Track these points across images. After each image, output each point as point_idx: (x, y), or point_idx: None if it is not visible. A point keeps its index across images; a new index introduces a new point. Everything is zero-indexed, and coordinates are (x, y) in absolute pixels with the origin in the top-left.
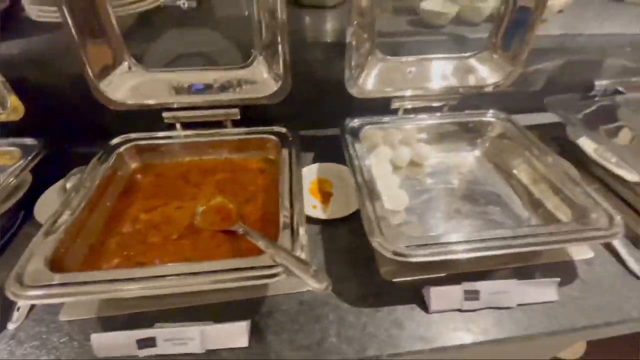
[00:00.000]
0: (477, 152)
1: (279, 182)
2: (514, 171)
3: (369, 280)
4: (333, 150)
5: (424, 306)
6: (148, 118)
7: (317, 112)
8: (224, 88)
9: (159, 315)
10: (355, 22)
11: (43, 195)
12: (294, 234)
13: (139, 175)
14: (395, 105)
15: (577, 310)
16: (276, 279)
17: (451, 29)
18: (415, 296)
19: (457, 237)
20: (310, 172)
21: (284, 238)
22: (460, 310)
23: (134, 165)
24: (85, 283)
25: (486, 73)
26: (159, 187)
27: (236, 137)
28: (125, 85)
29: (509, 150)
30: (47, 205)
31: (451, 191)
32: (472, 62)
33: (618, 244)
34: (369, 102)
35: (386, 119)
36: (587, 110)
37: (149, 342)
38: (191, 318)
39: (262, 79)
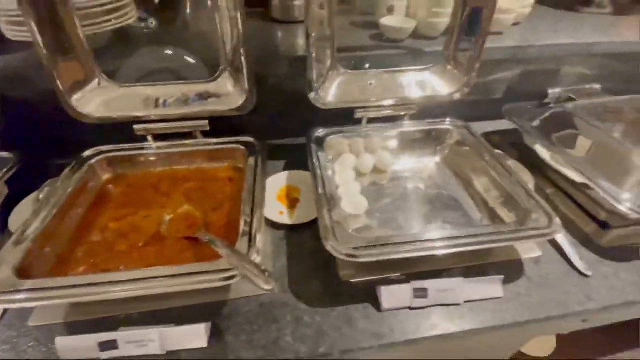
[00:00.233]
0: (437, 159)
1: (243, 190)
2: (470, 176)
3: (328, 281)
4: (303, 159)
5: (378, 305)
6: (122, 131)
7: (289, 122)
8: (192, 101)
9: (124, 320)
10: (314, 34)
11: (17, 207)
12: (251, 239)
13: (111, 185)
14: (358, 115)
15: (521, 305)
16: (230, 281)
17: (410, 43)
18: (369, 296)
19: (404, 238)
20: (279, 180)
21: (242, 243)
22: (410, 308)
23: (105, 176)
24: (48, 289)
25: (442, 84)
26: (130, 197)
27: (206, 148)
28: (96, 100)
29: (465, 156)
30: (21, 216)
31: (411, 196)
32: (429, 74)
33: (565, 242)
34: (338, 112)
35: (350, 128)
36: (541, 118)
37: (111, 345)
38: (155, 322)
39: (229, 92)
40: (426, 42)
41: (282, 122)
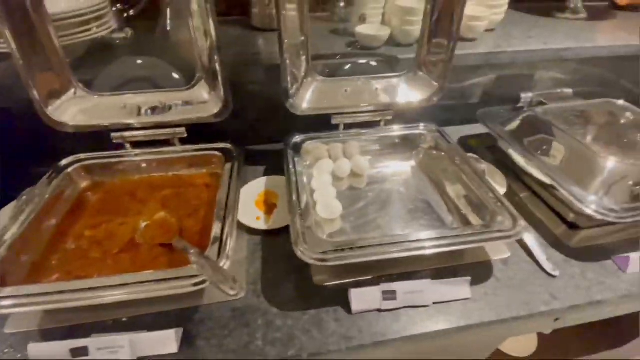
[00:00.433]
0: (413, 163)
1: (217, 196)
2: (443, 180)
3: (301, 285)
4: (283, 164)
5: (349, 308)
6: (101, 138)
7: (270, 127)
8: (169, 109)
9: (98, 327)
10: (287, 40)
11: None
12: (222, 245)
13: (89, 193)
14: (335, 121)
15: (488, 306)
16: (199, 287)
17: (386, 50)
18: (341, 299)
19: (372, 242)
20: (258, 185)
21: (213, 249)
22: (380, 310)
23: (83, 184)
24: (20, 296)
25: (415, 90)
26: (106, 204)
27: (183, 155)
28: (73, 109)
29: (439, 161)
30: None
31: (386, 200)
32: (402, 80)
33: (533, 243)
34: (318, 118)
35: (328, 134)
36: (513, 122)
37: (82, 351)
38: (128, 328)
39: (205, 100)
40: (402, 50)
41: (263, 128)
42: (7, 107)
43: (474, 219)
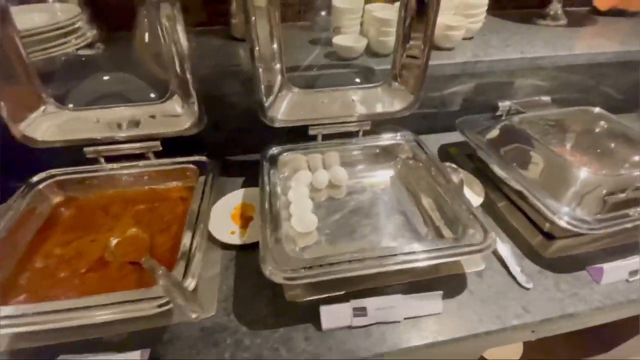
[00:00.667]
0: (391, 173)
1: (188, 211)
2: (418, 191)
3: (273, 302)
4: None
5: (320, 325)
6: (77, 153)
7: (252, 138)
8: (143, 123)
9: (65, 348)
10: (257, 48)
11: None
12: (189, 263)
13: (62, 208)
14: (312, 132)
15: (460, 320)
16: (163, 308)
17: (364, 60)
18: (313, 316)
19: (342, 258)
20: (236, 198)
21: (179, 267)
22: (350, 327)
23: (56, 199)
24: None
25: (391, 100)
26: (79, 220)
27: (158, 168)
28: (44, 125)
29: (416, 171)
30: None
31: (363, 211)
32: (378, 91)
33: (508, 255)
34: (299, 128)
35: (305, 145)
36: (490, 131)
37: None
38: (96, 349)
39: (178, 113)
40: (379, 60)
41: (245, 138)
42: None
43: (446, 232)
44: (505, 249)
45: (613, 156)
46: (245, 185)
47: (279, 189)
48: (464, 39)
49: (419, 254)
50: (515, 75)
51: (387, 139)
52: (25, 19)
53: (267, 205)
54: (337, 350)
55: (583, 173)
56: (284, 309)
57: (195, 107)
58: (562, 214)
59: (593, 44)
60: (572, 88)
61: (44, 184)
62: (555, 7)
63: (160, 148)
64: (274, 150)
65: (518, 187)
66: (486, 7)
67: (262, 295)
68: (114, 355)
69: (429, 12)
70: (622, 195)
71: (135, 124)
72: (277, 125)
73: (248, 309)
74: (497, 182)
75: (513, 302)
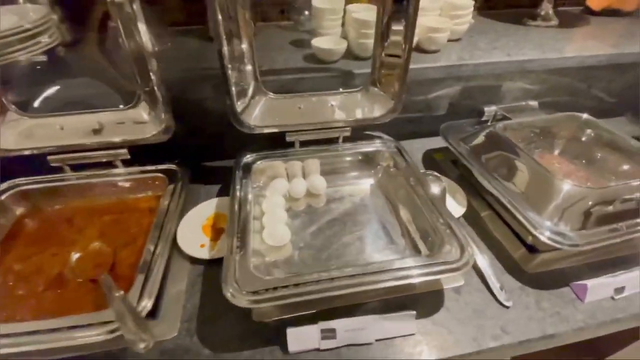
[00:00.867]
0: (372, 181)
1: (153, 224)
2: (397, 202)
3: (239, 322)
4: None
5: (287, 347)
6: (41, 162)
7: (229, 144)
8: (110, 130)
9: None
10: (224, 49)
11: None
12: (146, 281)
13: (26, 220)
14: (290, 138)
15: (434, 342)
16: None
17: (344, 64)
18: (281, 337)
19: (309, 278)
20: (209, 207)
21: (137, 285)
22: (318, 350)
23: (19, 211)
24: None
25: (371, 107)
26: (41, 233)
27: (126, 177)
28: (7, 133)
29: (395, 179)
30: None
31: (340, 222)
32: (358, 96)
33: (488, 270)
34: (277, 134)
35: (282, 152)
36: (474, 138)
37: None
38: None
39: (145, 120)
40: (359, 64)
41: (222, 144)
42: None
43: (422, 247)
44: (485, 264)
45: (600, 165)
46: (221, 193)
47: (250, 199)
48: (451, 40)
49: (390, 273)
50: (503, 78)
51: (367, 145)
52: None
53: (235, 218)
54: None
55: (566, 185)
56: (250, 330)
57: (162, 115)
58: (544, 228)
59: (585, 46)
60: (562, 91)
61: (7, 194)
62: (546, 7)
63: (128, 156)
64: (249, 157)
65: (500, 197)
66: (472, 9)
67: (228, 315)
68: None
69: (408, 7)
70: (609, 208)
71: (101, 131)
72: (248, 131)
73: (213, 330)
74: (480, 190)
75: (491, 322)
